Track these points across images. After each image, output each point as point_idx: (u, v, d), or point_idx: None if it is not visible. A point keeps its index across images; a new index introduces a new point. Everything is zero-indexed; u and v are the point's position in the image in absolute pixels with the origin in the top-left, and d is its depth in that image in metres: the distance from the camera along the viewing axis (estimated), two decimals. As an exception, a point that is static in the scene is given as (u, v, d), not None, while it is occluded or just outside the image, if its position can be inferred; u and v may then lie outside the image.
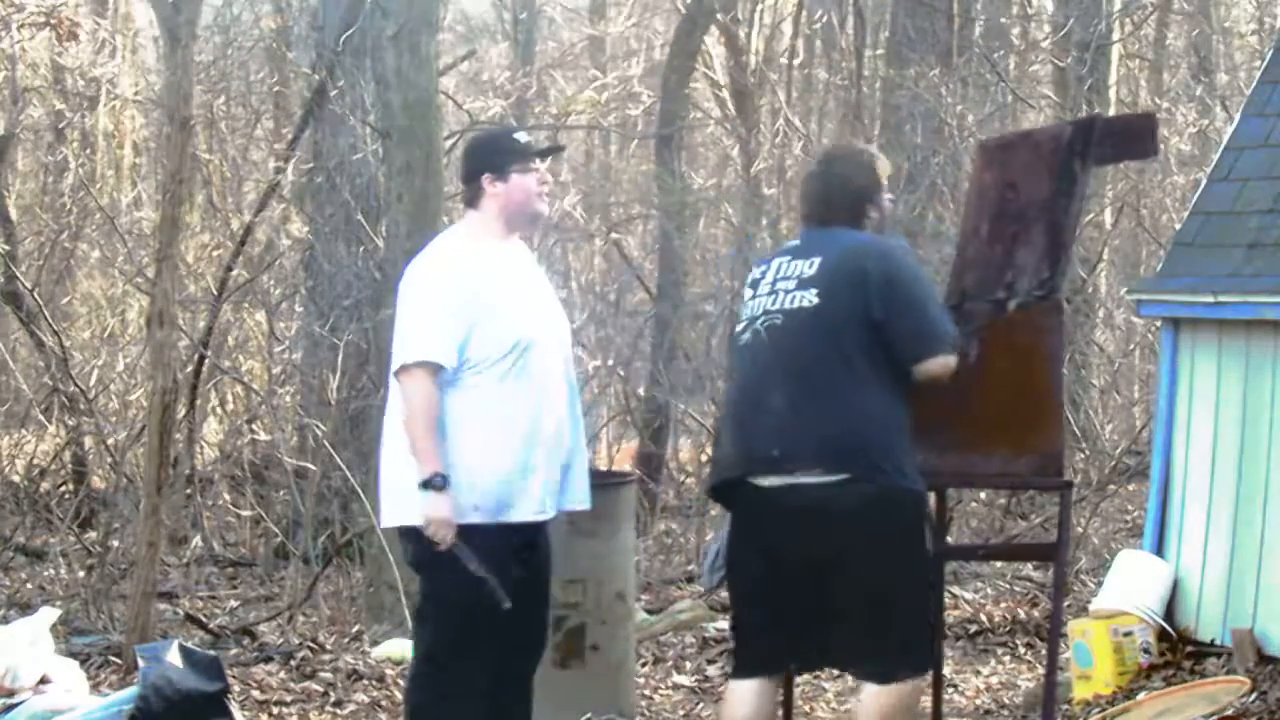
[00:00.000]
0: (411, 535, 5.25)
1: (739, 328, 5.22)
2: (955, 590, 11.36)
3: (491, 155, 5.47)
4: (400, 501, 5.25)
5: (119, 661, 8.52)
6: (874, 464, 5.00)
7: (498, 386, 5.21)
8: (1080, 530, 12.40)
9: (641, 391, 16.65)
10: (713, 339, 16.19)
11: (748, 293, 5.24)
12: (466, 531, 5.16)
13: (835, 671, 9.14)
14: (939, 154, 15.19)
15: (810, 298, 5.05)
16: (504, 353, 5.21)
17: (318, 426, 12.46)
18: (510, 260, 5.40)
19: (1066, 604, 10.57)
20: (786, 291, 5.09)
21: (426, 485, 5.08)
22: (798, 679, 8.90)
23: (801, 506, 5.02)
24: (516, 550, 5.23)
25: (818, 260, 5.12)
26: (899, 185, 15.09)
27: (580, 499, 5.46)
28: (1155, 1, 19.34)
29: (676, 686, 8.68)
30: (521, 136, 5.61)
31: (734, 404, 5.31)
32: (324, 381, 12.90)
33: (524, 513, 5.24)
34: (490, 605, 5.10)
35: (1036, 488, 9.59)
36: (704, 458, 15.28)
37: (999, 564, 12.53)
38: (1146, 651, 7.74)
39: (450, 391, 5.20)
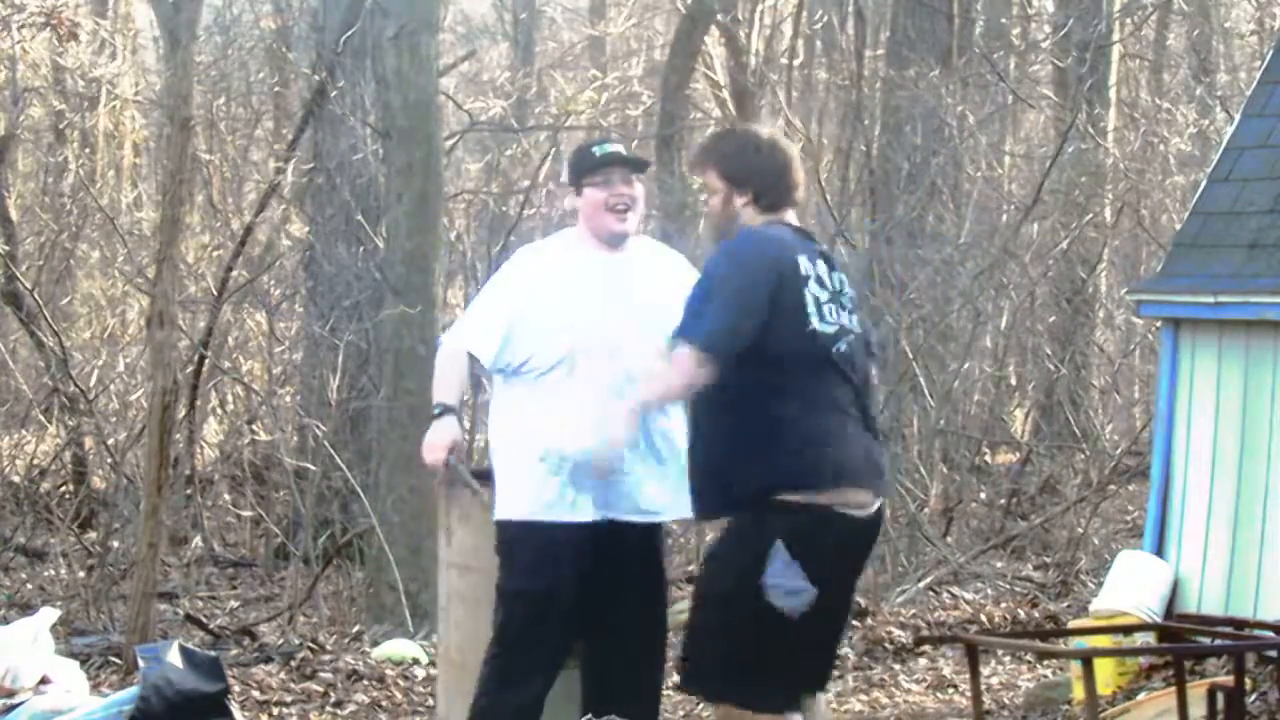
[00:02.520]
0: (498, 528, 5.39)
1: (826, 329, 4.82)
2: (955, 590, 11.38)
3: (571, 169, 5.53)
4: (500, 496, 5.38)
5: (119, 661, 8.52)
6: None
7: (545, 391, 5.30)
8: (1080, 530, 12.42)
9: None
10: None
11: (817, 291, 4.85)
12: (527, 527, 5.28)
13: (836, 671, 9.17)
14: (939, 154, 15.20)
15: (857, 324, 4.99)
16: (551, 363, 5.29)
17: (318, 427, 12.46)
18: (595, 269, 5.35)
19: (1066, 604, 10.60)
20: (848, 311, 4.95)
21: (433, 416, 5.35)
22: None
23: (874, 531, 5.02)
24: (579, 546, 5.25)
25: (843, 279, 5.01)
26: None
27: (637, 509, 5.36)
28: (1155, 1, 19.33)
29: (677, 686, 8.67)
30: (600, 149, 5.48)
31: (842, 413, 4.84)
32: (324, 382, 12.90)
33: (575, 513, 5.29)
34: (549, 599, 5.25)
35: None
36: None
37: (999, 564, 12.56)
38: (1146, 652, 7.75)
39: (508, 388, 5.38)
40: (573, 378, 5.29)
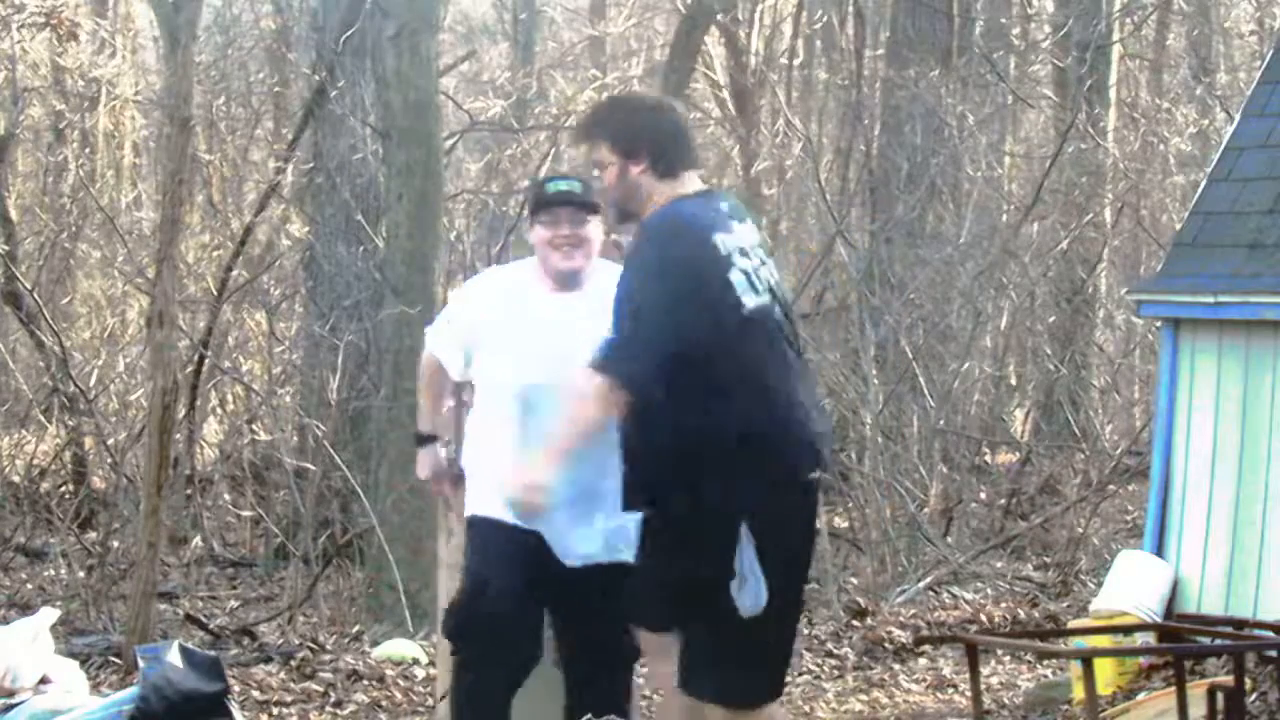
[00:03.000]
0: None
1: (761, 300, 4.62)
2: (955, 590, 11.38)
3: (528, 202, 5.62)
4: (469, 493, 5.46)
5: (119, 661, 8.52)
6: None
7: (493, 404, 5.36)
8: (1080, 530, 12.42)
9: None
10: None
11: (743, 262, 4.62)
12: (472, 521, 5.37)
13: (836, 671, 9.18)
14: (939, 154, 15.20)
15: (774, 268, 4.78)
16: (490, 385, 5.35)
17: (318, 427, 12.46)
18: (546, 307, 5.29)
19: (1066, 604, 10.60)
20: (766, 263, 4.73)
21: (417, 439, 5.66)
22: (796, 680, 8.92)
23: (816, 491, 4.84)
24: (518, 548, 5.24)
25: (753, 226, 4.78)
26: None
27: (566, 554, 5.26)
28: (1155, 1, 19.34)
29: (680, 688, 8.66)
30: (552, 186, 5.43)
31: (789, 383, 4.63)
32: (324, 382, 12.89)
33: (508, 517, 5.27)
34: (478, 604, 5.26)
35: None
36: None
37: (999, 564, 12.56)
38: (1146, 652, 7.75)
39: (477, 391, 5.48)
40: (508, 409, 5.27)
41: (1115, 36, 17.92)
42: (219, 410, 15.92)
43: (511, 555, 5.26)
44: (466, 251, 14.69)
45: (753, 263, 4.65)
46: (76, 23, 17.61)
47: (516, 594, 5.27)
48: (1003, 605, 10.54)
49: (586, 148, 4.88)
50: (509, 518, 5.24)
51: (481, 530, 5.34)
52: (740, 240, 4.66)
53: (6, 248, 15.31)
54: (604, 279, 5.23)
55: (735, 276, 4.59)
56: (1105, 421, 15.99)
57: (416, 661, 8.63)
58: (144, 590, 8.50)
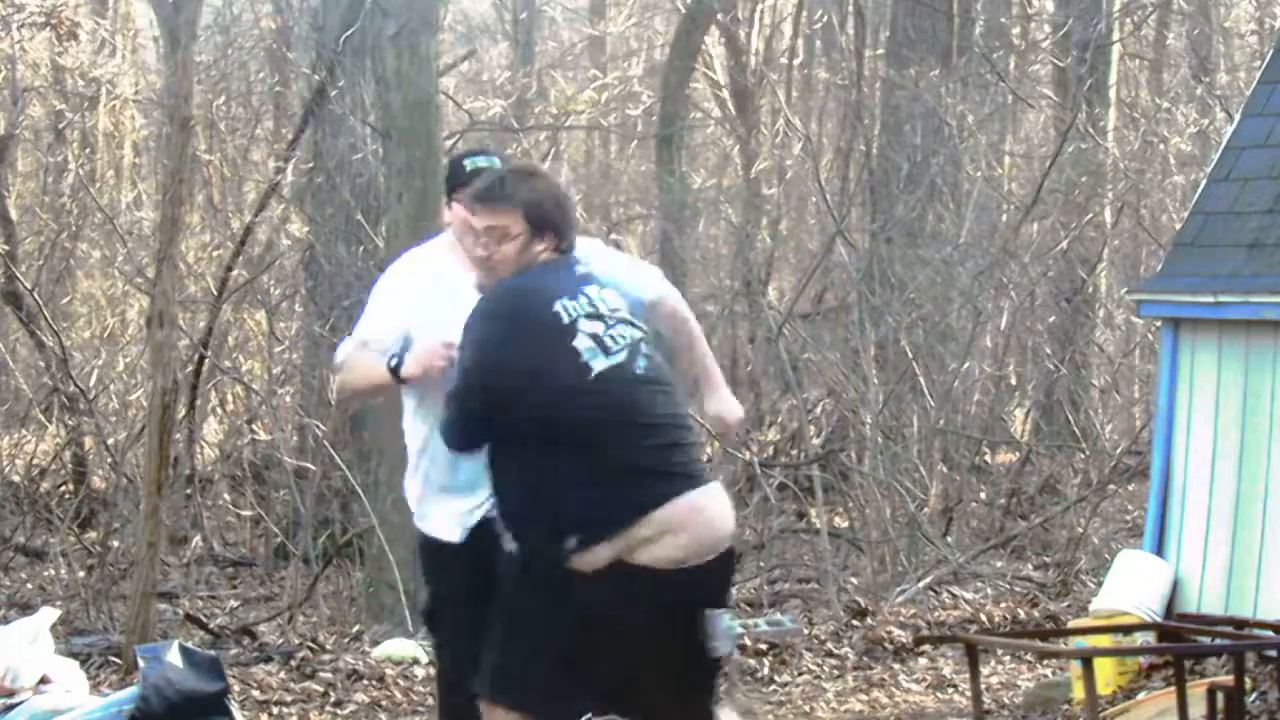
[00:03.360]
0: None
1: (615, 359, 4.58)
2: (955, 590, 11.38)
3: (445, 179, 5.22)
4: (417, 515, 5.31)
5: (119, 661, 8.52)
6: None
7: (416, 406, 5.13)
8: (1080, 530, 12.42)
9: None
10: (713, 339, 16.20)
11: (592, 326, 4.60)
12: (419, 535, 5.25)
13: (836, 671, 9.18)
14: (939, 154, 15.20)
15: (641, 325, 4.73)
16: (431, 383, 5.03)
17: (318, 426, 12.46)
18: (469, 290, 4.91)
19: (1066, 604, 10.60)
20: (629, 320, 4.69)
21: (394, 370, 4.96)
22: (796, 680, 8.92)
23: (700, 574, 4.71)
24: (454, 560, 5.19)
25: (615, 289, 4.73)
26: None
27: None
28: (1155, 1, 19.34)
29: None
30: (470, 162, 5.12)
31: (652, 444, 4.61)
32: (324, 381, 12.89)
33: (431, 528, 5.19)
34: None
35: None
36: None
37: (999, 564, 12.56)
38: (1146, 651, 7.75)
39: (406, 400, 5.17)
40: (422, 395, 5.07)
41: (1115, 36, 17.93)
42: (219, 410, 15.93)
43: (456, 581, 5.13)
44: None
45: (604, 325, 4.63)
46: (76, 22, 17.61)
47: (464, 623, 5.08)
48: (1003, 605, 10.54)
49: (491, 213, 4.74)
50: (447, 535, 5.19)
51: (426, 554, 5.25)
52: (592, 304, 4.64)
53: (6, 248, 15.31)
54: None
55: (581, 342, 4.57)
56: (1105, 421, 15.99)
57: (416, 661, 8.63)
58: (144, 590, 8.50)
